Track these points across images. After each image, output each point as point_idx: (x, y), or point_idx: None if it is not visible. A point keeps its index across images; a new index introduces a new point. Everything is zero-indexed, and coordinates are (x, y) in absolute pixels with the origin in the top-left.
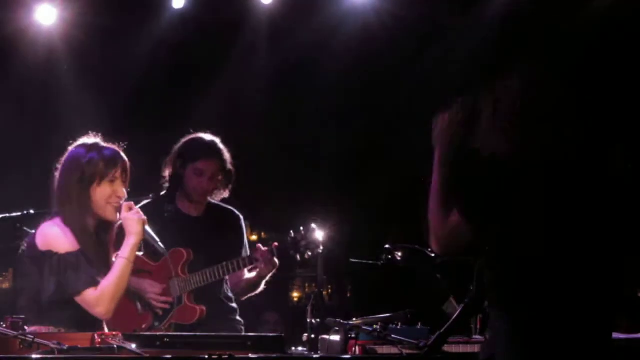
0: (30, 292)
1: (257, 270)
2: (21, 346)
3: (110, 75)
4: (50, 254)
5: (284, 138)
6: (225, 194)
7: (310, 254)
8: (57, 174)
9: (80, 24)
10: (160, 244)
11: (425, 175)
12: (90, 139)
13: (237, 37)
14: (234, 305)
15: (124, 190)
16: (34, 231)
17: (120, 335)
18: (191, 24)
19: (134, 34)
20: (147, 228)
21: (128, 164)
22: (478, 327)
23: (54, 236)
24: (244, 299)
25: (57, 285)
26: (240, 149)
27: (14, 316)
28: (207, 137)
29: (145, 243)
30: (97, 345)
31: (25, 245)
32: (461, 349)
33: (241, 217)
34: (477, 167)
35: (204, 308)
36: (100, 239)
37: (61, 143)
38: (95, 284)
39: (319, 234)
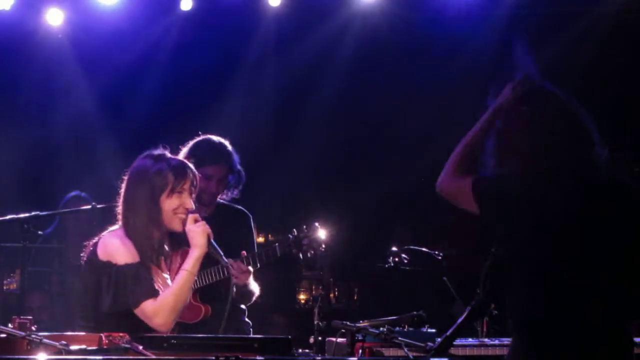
0: (90, 302)
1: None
2: (29, 347)
3: (115, 77)
4: (109, 265)
5: (291, 139)
6: (235, 194)
7: (312, 252)
8: (123, 186)
9: (87, 26)
10: (224, 257)
11: (426, 176)
12: (156, 150)
13: (245, 40)
14: (242, 306)
15: (192, 202)
16: (95, 240)
17: (127, 336)
18: (199, 27)
19: (142, 37)
20: (212, 241)
21: (197, 175)
22: (484, 330)
23: (114, 247)
24: (247, 305)
25: (115, 296)
26: (249, 151)
27: (22, 317)
28: (215, 139)
29: (208, 256)
30: (105, 347)
31: (86, 255)
32: (467, 351)
33: (250, 216)
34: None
35: (209, 307)
36: (162, 251)
37: (68, 145)
38: (155, 295)
39: (321, 233)
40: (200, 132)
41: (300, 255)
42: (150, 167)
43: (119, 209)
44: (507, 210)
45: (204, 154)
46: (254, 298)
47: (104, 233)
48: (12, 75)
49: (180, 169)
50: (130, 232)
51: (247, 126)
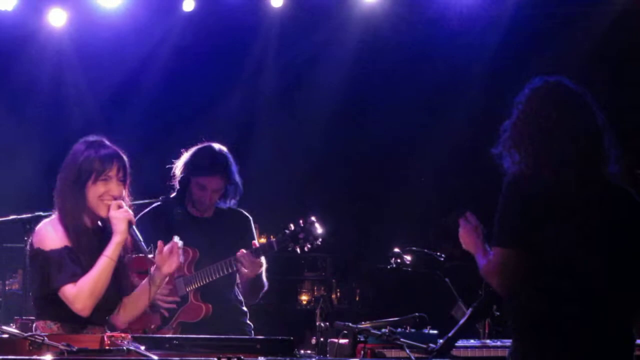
0: (31, 289)
1: (242, 273)
2: (31, 347)
3: (118, 78)
4: (39, 251)
5: (292, 140)
6: (232, 203)
7: (309, 246)
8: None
9: (90, 27)
10: (143, 243)
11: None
12: (94, 137)
13: (247, 41)
14: (244, 308)
15: (122, 190)
16: None
17: (129, 337)
18: (201, 28)
19: (143, 37)
20: (134, 227)
21: (126, 163)
22: (486, 331)
23: (44, 233)
24: (252, 303)
25: (41, 281)
26: (250, 153)
27: (24, 317)
28: (216, 148)
29: (133, 242)
30: (107, 347)
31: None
32: (469, 353)
33: (250, 218)
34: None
35: (210, 306)
36: (97, 237)
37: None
38: (74, 280)
39: (318, 227)
40: (202, 137)
41: (297, 250)
42: (80, 154)
43: (55, 194)
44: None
45: (201, 165)
46: (262, 293)
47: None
48: (15, 77)
49: (107, 157)
50: (61, 217)
51: (248, 127)
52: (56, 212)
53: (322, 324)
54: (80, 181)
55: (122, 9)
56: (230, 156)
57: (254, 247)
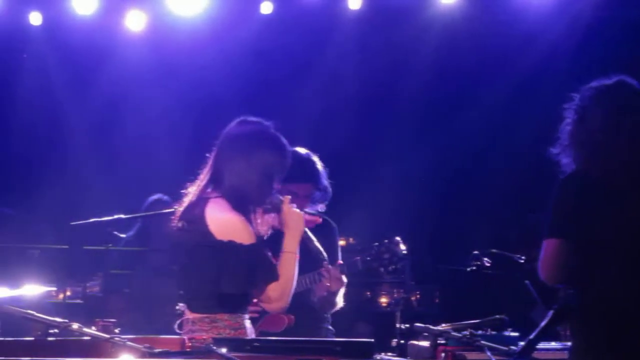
0: (206, 282)
1: (323, 286)
2: (112, 349)
3: (198, 81)
4: (233, 245)
5: (373, 142)
6: (321, 209)
7: (394, 267)
8: (227, 152)
9: (168, 31)
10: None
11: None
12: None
13: (325, 43)
14: (326, 314)
15: None
16: (192, 213)
17: (210, 339)
18: (279, 30)
19: (222, 40)
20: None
21: None
22: (567, 333)
23: (234, 226)
24: (327, 314)
25: (241, 278)
26: (330, 153)
27: (105, 320)
28: (303, 154)
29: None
30: (188, 349)
31: (191, 231)
32: (551, 355)
33: (335, 227)
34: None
35: (293, 317)
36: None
37: (148, 150)
38: (277, 278)
39: (402, 247)
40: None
41: (382, 270)
42: (269, 139)
43: (223, 179)
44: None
45: (290, 171)
46: (335, 309)
47: (208, 205)
48: (93, 79)
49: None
50: (238, 206)
51: (327, 130)
52: (223, 198)
53: (402, 327)
54: (272, 172)
55: (200, 13)
56: (317, 160)
57: (339, 264)
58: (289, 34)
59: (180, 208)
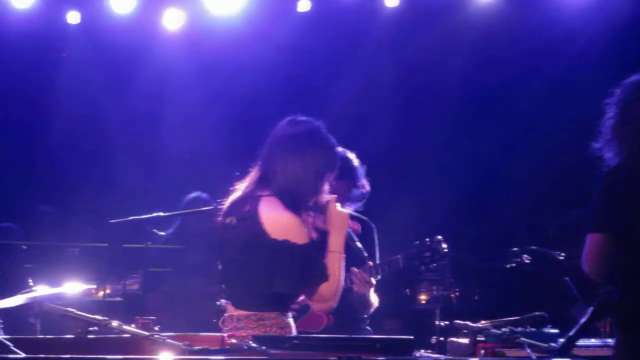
0: (258, 280)
1: (353, 288)
2: (152, 347)
3: (235, 79)
4: (287, 244)
5: (410, 140)
6: (358, 207)
7: (435, 265)
8: (278, 151)
9: (206, 28)
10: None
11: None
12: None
13: (362, 40)
14: (364, 315)
15: None
16: (244, 210)
17: (249, 336)
18: (316, 28)
19: (260, 38)
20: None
21: None
22: (607, 330)
23: (288, 225)
24: (364, 315)
25: (295, 277)
26: (368, 151)
27: (144, 317)
28: (339, 151)
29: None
30: (227, 347)
31: (242, 228)
32: (591, 352)
33: (374, 228)
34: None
35: (331, 317)
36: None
37: (187, 148)
38: (328, 278)
39: (444, 246)
40: None
41: (423, 268)
42: (322, 139)
43: (275, 178)
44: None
45: None
46: (371, 309)
47: (262, 204)
48: (131, 78)
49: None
50: (292, 205)
51: (364, 127)
52: (275, 196)
53: (442, 324)
54: (324, 171)
55: (238, 11)
56: (354, 158)
57: (368, 266)
58: (326, 31)
59: (225, 204)
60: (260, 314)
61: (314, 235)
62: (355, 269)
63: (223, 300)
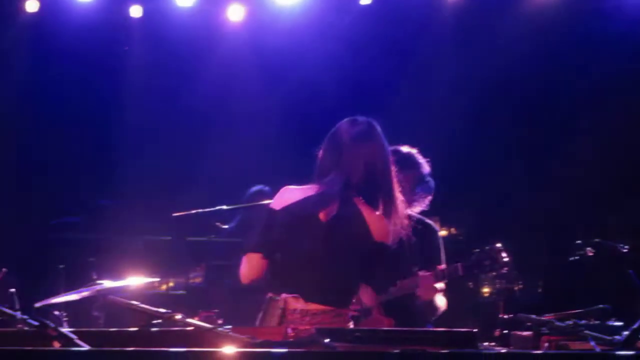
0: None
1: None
2: (215, 340)
3: (297, 71)
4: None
5: (475, 134)
6: (424, 206)
7: (494, 274)
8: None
9: (268, 20)
10: None
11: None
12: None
13: (423, 34)
14: (429, 319)
15: None
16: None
17: (312, 329)
18: (376, 21)
19: (321, 31)
20: None
21: None
22: None
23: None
24: (432, 319)
25: (382, 276)
26: (429, 146)
27: (207, 310)
28: (404, 149)
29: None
30: (290, 340)
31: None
32: None
33: (437, 230)
34: None
35: (393, 321)
36: None
37: (250, 141)
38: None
39: (504, 254)
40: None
41: (482, 276)
42: (384, 138)
43: (353, 178)
44: None
45: (394, 162)
46: (438, 313)
47: (360, 206)
48: (194, 71)
49: None
50: (378, 207)
51: (426, 120)
52: (372, 205)
53: (506, 316)
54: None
55: (299, 4)
56: (417, 153)
57: (440, 269)
58: (388, 23)
59: (301, 200)
60: (338, 310)
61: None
62: (421, 274)
63: (284, 294)
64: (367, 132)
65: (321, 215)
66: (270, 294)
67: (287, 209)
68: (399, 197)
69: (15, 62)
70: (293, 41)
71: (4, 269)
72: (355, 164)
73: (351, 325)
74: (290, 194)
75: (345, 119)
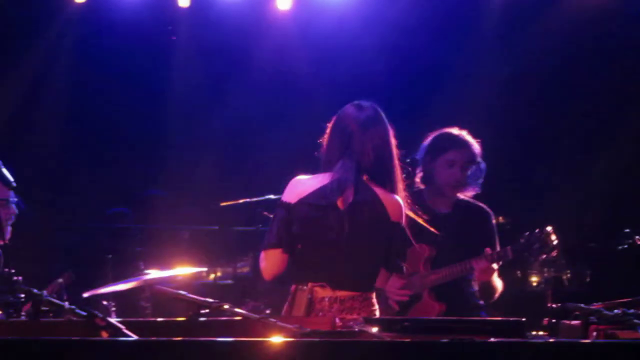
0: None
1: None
2: (263, 330)
3: (343, 64)
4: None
5: (525, 122)
6: (477, 189)
7: (544, 257)
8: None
9: (316, 7)
10: None
11: None
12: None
13: (471, 26)
14: (480, 302)
15: None
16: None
17: (360, 319)
18: (426, 8)
19: (369, 18)
20: None
21: None
22: None
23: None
24: (490, 302)
25: (403, 257)
26: (484, 135)
27: (255, 300)
28: (454, 131)
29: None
30: (338, 329)
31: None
32: None
33: (491, 214)
34: None
35: (444, 306)
36: None
37: (298, 129)
38: None
39: (554, 238)
40: (437, 125)
41: (532, 259)
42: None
43: (368, 163)
44: None
45: (446, 141)
46: (497, 295)
47: (377, 190)
48: (242, 61)
49: None
50: (393, 189)
51: (474, 106)
52: (387, 187)
53: (554, 305)
54: None
55: None
56: (468, 135)
57: (488, 253)
58: (436, 9)
59: (324, 188)
60: (365, 294)
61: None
62: (476, 258)
63: (310, 284)
64: (375, 117)
65: (339, 203)
66: (295, 285)
67: (304, 201)
68: (401, 176)
69: (62, 54)
70: (343, 28)
71: (69, 272)
72: (365, 148)
73: (376, 307)
74: (303, 186)
75: (349, 105)
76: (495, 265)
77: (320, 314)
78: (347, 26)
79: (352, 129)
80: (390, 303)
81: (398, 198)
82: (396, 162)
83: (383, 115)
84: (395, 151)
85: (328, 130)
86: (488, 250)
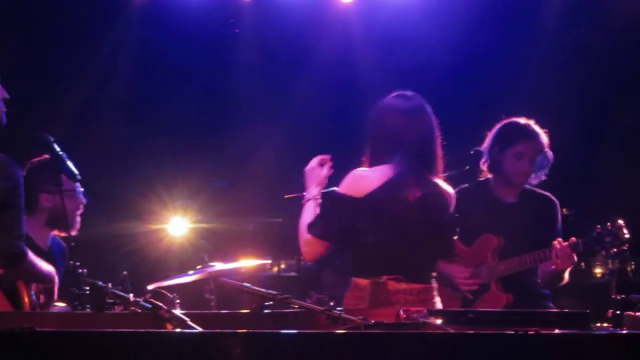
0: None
1: (554, 264)
2: (328, 322)
3: (405, 59)
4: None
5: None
6: (542, 178)
7: (615, 250)
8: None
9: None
10: None
11: None
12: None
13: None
14: (546, 291)
15: None
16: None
17: (425, 311)
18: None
19: (432, 9)
20: None
21: None
22: None
23: None
24: (551, 288)
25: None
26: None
27: (319, 293)
28: (522, 120)
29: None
30: (402, 321)
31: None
32: None
33: (557, 203)
34: None
35: (511, 297)
36: None
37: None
38: None
39: (625, 231)
40: (503, 116)
41: (603, 253)
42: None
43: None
44: None
45: (515, 133)
46: (562, 284)
47: (439, 182)
48: (305, 53)
49: None
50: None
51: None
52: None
53: (618, 297)
54: None
55: None
56: (535, 125)
57: (572, 242)
58: (503, 8)
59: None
60: (428, 286)
61: None
62: (560, 240)
63: (385, 277)
64: (422, 106)
65: (409, 196)
66: (369, 280)
67: (373, 195)
68: (442, 165)
69: (127, 47)
70: (406, 21)
71: (124, 273)
72: (417, 138)
73: (437, 299)
74: (367, 180)
75: (392, 96)
76: (575, 257)
77: (397, 307)
78: (409, 19)
79: (403, 119)
80: (464, 293)
81: (450, 188)
82: (440, 151)
83: (426, 107)
84: (439, 140)
85: (373, 122)
86: (573, 239)
